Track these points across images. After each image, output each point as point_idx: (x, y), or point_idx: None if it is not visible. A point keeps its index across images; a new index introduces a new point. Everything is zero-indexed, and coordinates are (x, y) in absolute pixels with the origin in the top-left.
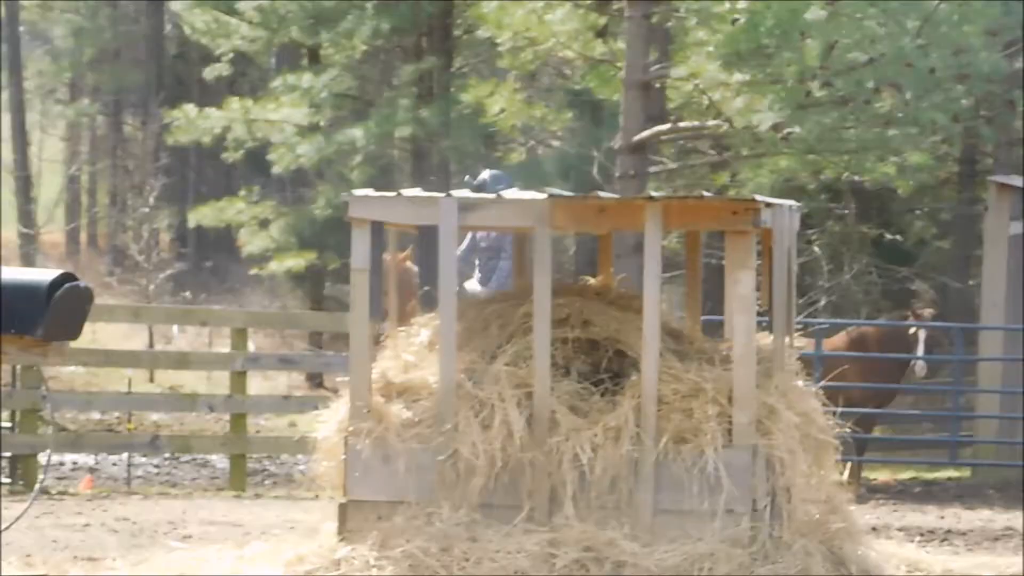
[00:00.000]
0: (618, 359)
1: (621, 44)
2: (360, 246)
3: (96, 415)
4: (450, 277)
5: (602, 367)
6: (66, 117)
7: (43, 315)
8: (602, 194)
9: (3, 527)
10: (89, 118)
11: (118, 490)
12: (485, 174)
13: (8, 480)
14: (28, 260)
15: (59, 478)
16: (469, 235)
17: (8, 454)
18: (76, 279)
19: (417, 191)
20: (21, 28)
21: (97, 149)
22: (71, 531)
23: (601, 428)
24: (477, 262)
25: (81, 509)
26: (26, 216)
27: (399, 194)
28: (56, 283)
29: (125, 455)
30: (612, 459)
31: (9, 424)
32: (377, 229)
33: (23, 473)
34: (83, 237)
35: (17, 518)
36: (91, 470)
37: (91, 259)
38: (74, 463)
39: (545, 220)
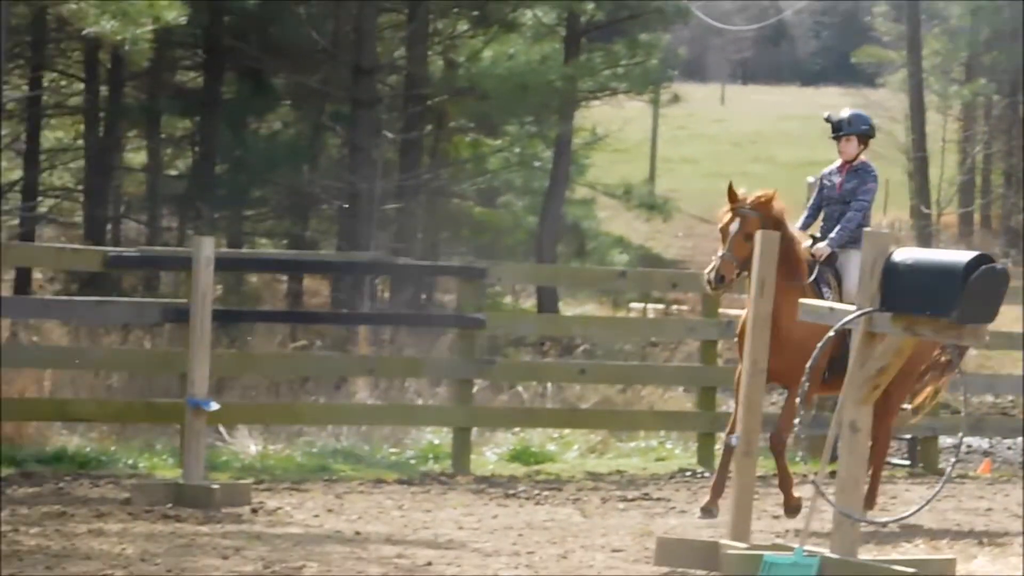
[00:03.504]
0: None
1: None
2: None
3: (989, 398)
4: None
5: None
6: (961, 97)
7: (959, 297)
8: None
9: (911, 511)
10: (985, 98)
11: (1016, 475)
12: (846, 112)
13: (907, 462)
14: (924, 241)
15: (956, 461)
16: (816, 190)
17: (908, 436)
18: (992, 261)
19: None
20: (920, 7)
21: (994, 129)
22: (973, 515)
23: None
24: (823, 214)
25: (982, 493)
26: (922, 197)
27: None
28: (971, 265)
29: (1020, 440)
30: None
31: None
32: None
33: (923, 455)
34: (976, 218)
35: (928, 502)
36: (985, 454)
37: (984, 241)
38: (968, 446)
39: None
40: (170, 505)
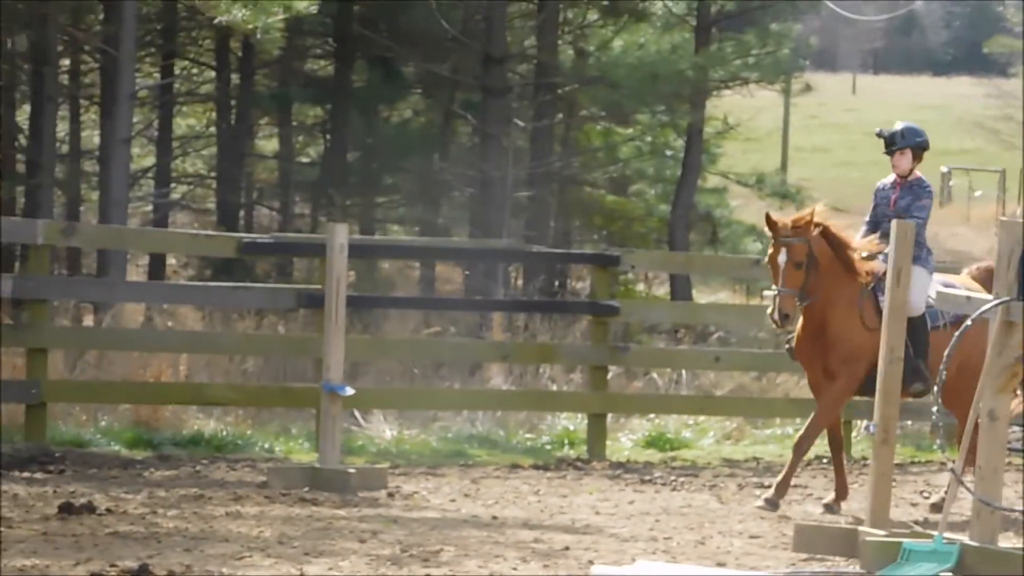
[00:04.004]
0: None
1: None
2: None
3: None
4: None
5: None
6: None
7: None
8: None
9: None
10: None
11: None
12: (899, 125)
13: None
14: None
15: None
16: (871, 206)
17: None
18: None
19: None
20: None
21: None
22: None
23: None
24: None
25: None
26: None
27: None
28: None
29: None
30: None
31: None
32: None
33: None
34: None
35: None
36: None
37: None
38: None
39: None
40: (307, 489)
